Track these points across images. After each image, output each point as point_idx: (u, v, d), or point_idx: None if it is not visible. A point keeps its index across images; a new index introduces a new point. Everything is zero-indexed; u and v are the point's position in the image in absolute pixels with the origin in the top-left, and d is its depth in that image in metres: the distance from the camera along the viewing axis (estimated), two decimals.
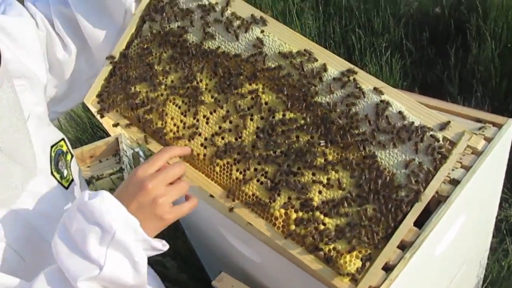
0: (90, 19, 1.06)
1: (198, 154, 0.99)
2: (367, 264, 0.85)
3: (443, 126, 0.88)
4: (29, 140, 0.88)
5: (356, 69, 0.94)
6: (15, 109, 0.83)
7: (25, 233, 0.87)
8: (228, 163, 0.97)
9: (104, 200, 0.76)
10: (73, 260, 0.74)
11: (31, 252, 0.87)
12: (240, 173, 0.95)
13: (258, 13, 1.01)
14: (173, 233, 2.13)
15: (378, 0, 3.25)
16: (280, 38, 0.99)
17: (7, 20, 1.00)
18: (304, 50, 0.96)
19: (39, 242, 0.90)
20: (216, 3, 1.03)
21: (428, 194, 0.86)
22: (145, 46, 1.06)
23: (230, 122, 0.98)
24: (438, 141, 0.87)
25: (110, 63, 1.08)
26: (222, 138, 0.98)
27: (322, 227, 0.88)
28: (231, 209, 0.95)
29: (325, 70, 0.94)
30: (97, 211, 0.75)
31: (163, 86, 1.03)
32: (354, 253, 0.85)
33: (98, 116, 1.06)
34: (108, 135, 3.06)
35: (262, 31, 1.00)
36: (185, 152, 0.96)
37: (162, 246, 0.81)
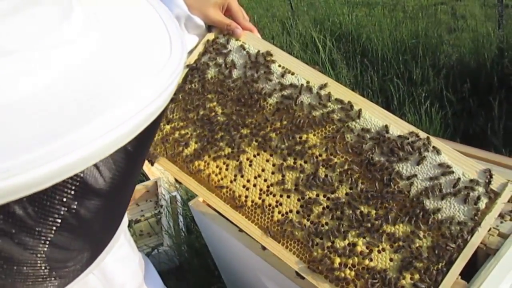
0: None
1: (240, 196, 0.99)
2: None
3: (486, 176, 0.88)
4: None
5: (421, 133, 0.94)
6: None
7: None
8: (270, 205, 0.97)
9: None
10: None
11: None
12: (282, 215, 0.95)
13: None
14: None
15: (417, 51, 3.29)
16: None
17: None
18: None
19: None
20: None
21: (474, 243, 0.84)
22: (192, 92, 1.10)
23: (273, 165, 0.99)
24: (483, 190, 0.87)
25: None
26: (265, 180, 0.99)
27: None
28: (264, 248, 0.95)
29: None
30: None
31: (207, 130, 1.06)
32: None
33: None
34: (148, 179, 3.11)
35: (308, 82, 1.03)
36: None
37: None
